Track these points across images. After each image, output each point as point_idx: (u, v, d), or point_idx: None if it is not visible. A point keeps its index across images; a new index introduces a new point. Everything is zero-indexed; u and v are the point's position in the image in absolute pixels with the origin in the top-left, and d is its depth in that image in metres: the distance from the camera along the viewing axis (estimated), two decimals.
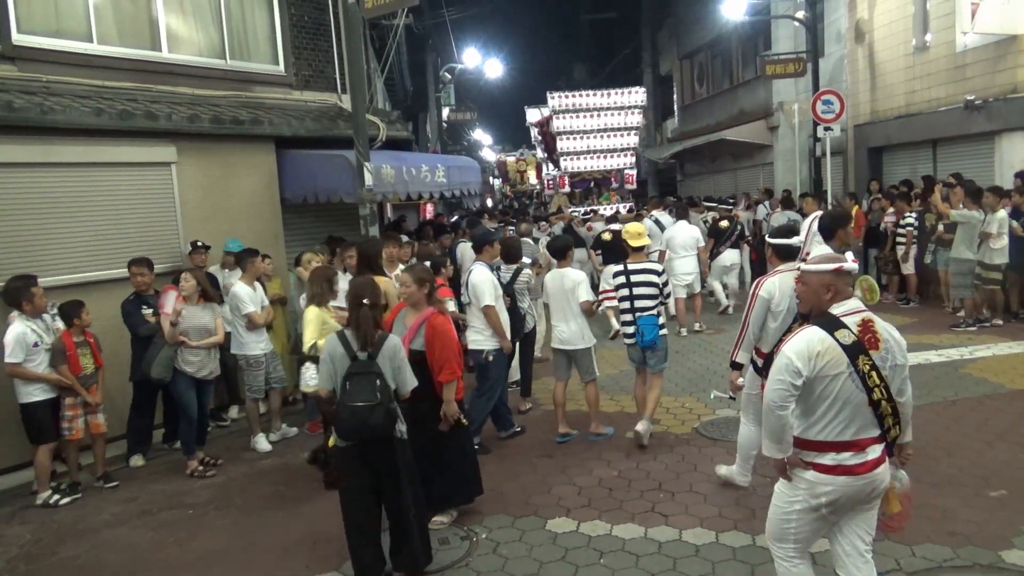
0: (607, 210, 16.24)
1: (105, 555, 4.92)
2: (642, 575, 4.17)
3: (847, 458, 3.05)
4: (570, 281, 6.21)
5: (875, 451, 3.08)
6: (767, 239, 5.07)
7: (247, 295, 6.72)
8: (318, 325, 5.43)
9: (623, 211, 16.06)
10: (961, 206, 9.19)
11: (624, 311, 6.13)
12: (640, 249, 6.18)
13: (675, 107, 25.58)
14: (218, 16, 8.61)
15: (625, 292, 6.08)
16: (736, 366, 4.94)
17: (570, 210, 17.13)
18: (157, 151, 7.40)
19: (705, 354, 9.12)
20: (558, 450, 6.19)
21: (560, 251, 6.46)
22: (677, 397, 7.39)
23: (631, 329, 6.05)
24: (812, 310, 3.25)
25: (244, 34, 8.96)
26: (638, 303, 6.04)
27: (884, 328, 3.13)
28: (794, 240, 4.88)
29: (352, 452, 4.16)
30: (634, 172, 20.06)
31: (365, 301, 4.18)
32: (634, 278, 6.06)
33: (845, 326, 3.06)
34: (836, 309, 3.13)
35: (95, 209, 7.00)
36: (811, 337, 3.06)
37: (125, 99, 7.33)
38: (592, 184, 19.47)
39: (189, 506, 5.62)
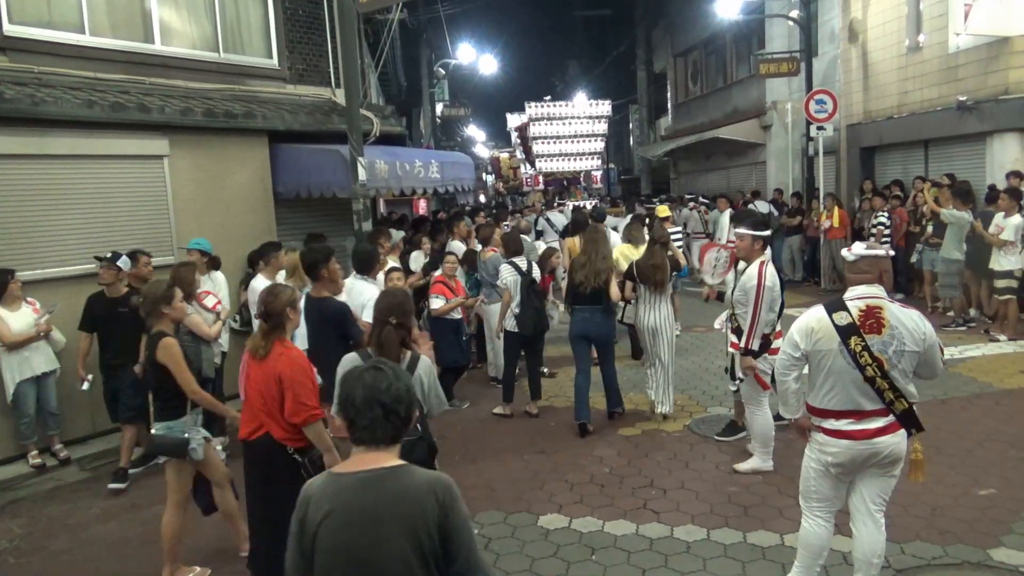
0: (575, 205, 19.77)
1: (94, 550, 4.90)
2: (633, 571, 4.18)
3: (845, 424, 3.39)
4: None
5: (876, 421, 3.36)
6: (752, 232, 5.22)
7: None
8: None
9: (588, 206, 19.17)
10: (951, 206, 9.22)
11: None
12: (667, 219, 10.75)
13: (669, 105, 25.58)
14: (211, 9, 8.57)
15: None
16: (751, 353, 5.14)
17: (540, 203, 18.96)
18: (149, 144, 7.36)
19: (697, 352, 9.16)
20: (551, 447, 6.20)
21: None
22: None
23: None
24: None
25: (238, 27, 8.92)
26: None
27: (897, 316, 3.33)
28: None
29: None
30: (599, 174, 23.89)
31: (392, 320, 3.61)
32: (673, 236, 9.18)
33: (845, 309, 3.37)
34: (848, 294, 3.44)
35: (87, 202, 6.95)
36: (811, 316, 3.46)
37: (117, 91, 7.29)
38: (565, 183, 22.23)
39: None
